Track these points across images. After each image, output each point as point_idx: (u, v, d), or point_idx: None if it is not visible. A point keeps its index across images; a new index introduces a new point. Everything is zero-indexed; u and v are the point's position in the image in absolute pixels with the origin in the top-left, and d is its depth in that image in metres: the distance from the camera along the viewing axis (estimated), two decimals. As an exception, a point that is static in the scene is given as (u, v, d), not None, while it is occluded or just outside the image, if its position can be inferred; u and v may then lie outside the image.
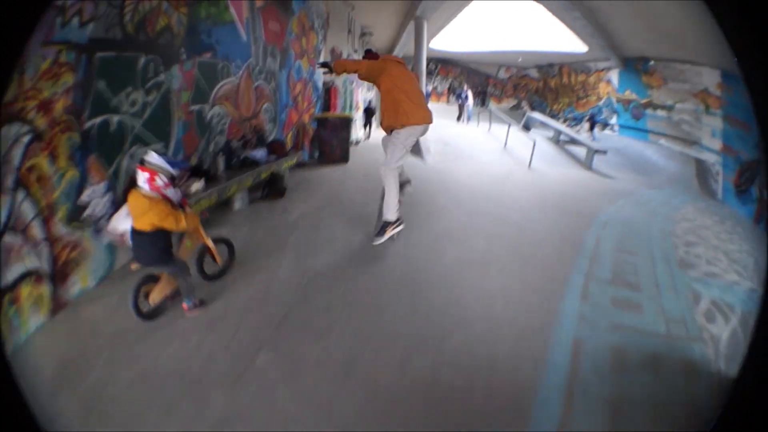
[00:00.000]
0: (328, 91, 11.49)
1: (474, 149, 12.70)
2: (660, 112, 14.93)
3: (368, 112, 15.17)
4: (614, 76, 17.28)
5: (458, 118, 19.27)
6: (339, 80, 12.69)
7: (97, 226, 3.77)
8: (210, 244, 3.87)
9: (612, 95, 17.47)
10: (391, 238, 4.97)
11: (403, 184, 5.38)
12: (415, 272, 4.10)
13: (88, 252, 3.71)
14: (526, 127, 16.12)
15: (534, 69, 23.87)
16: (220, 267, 4.08)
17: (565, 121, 19.53)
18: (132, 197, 3.20)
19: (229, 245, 4.24)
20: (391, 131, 4.87)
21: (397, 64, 4.94)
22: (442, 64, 24.12)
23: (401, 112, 4.72)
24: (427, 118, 4.84)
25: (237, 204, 5.84)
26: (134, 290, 3.33)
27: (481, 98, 23.03)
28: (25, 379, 1.58)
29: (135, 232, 3.26)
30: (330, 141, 9.53)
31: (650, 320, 3.73)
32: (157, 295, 3.47)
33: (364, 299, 3.60)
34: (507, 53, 20.70)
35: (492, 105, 18.65)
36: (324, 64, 4.92)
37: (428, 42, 15.66)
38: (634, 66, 15.79)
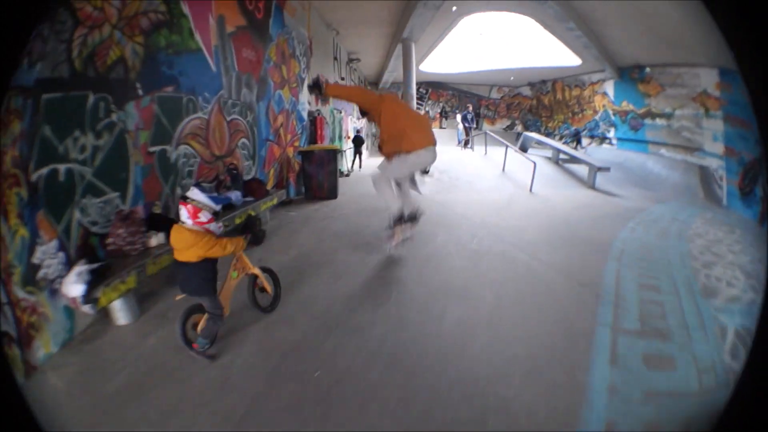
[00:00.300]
0: (314, 121, 10.84)
1: (472, 175, 12.16)
2: (659, 121, 14.40)
3: (357, 141, 14.62)
4: (609, 87, 16.86)
5: (466, 144, 17.92)
6: (326, 109, 12.22)
7: (52, 288, 3.37)
8: (257, 271, 3.92)
9: (608, 108, 17.02)
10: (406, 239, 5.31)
11: (414, 216, 5.43)
12: (409, 344, 3.34)
13: (47, 316, 3.33)
14: (523, 148, 15.56)
15: (526, 87, 23.56)
16: (271, 296, 4.05)
17: (561, 138, 19.06)
18: (176, 232, 3.30)
19: (273, 275, 4.14)
20: (393, 156, 5.01)
21: (395, 96, 5.07)
22: (433, 87, 23.79)
23: (406, 140, 4.87)
24: (431, 141, 5.04)
25: (209, 254, 5.22)
26: (182, 321, 3.33)
27: (475, 120, 22.51)
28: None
29: (180, 264, 3.34)
30: (316, 176, 8.93)
31: (683, 376, 3.09)
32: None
33: (342, 389, 2.82)
34: (498, 72, 20.38)
35: (486, 127, 18.07)
36: (315, 85, 4.76)
37: (417, 65, 15.31)
38: (630, 75, 15.38)
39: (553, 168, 13.71)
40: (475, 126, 18.74)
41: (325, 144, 11.37)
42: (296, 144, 9.69)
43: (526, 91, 23.60)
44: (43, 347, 3.26)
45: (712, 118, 12.02)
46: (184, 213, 3.23)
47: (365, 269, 4.94)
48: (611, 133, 16.98)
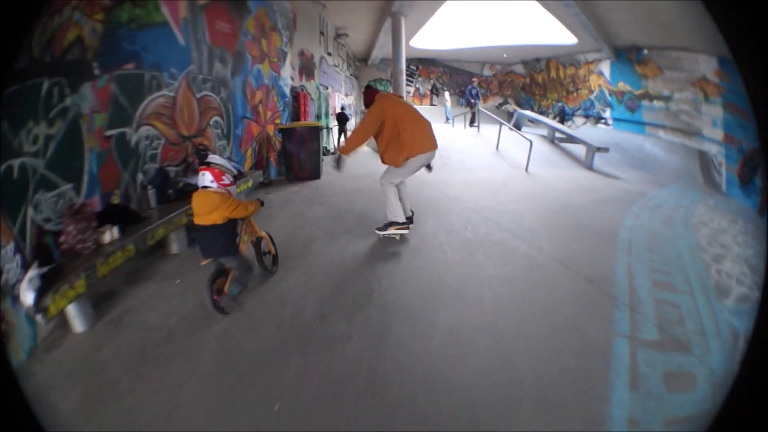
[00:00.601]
0: (297, 97, 10.21)
1: (464, 154, 11.54)
2: (657, 103, 13.90)
3: (341, 119, 13.92)
4: (606, 67, 16.28)
5: (471, 122, 16.85)
6: (311, 85, 11.52)
7: (13, 294, 3.03)
8: (264, 234, 4.17)
9: (605, 87, 16.44)
10: (393, 237, 5.05)
11: (410, 219, 5.29)
12: (391, 365, 2.74)
13: (13, 324, 3.00)
14: (517, 126, 14.90)
15: (520, 65, 22.81)
16: (272, 257, 4.30)
17: (554, 117, 18.45)
18: (199, 197, 3.43)
19: (271, 237, 4.33)
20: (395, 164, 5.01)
21: (392, 98, 5.05)
22: (423, 64, 22.94)
23: (406, 148, 4.83)
24: (432, 146, 5.04)
25: (173, 247, 4.68)
26: (209, 287, 3.40)
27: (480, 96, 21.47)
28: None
29: (204, 228, 3.45)
30: (297, 155, 8.32)
31: (702, 397, 2.61)
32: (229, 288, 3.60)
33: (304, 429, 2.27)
34: (491, 49, 19.67)
35: (479, 104, 17.34)
36: (337, 163, 4.97)
37: (407, 40, 14.64)
38: (627, 56, 14.83)
39: (548, 147, 13.12)
40: (481, 101, 17.65)
41: (309, 121, 10.68)
42: (277, 121, 9.04)
43: (519, 69, 22.86)
44: (16, 355, 2.98)
45: (712, 104, 11.60)
46: (208, 177, 3.40)
47: (343, 263, 4.40)
48: (607, 113, 16.37)
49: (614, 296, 3.73)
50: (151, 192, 4.66)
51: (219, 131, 6.52)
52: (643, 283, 4.07)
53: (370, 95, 5.09)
